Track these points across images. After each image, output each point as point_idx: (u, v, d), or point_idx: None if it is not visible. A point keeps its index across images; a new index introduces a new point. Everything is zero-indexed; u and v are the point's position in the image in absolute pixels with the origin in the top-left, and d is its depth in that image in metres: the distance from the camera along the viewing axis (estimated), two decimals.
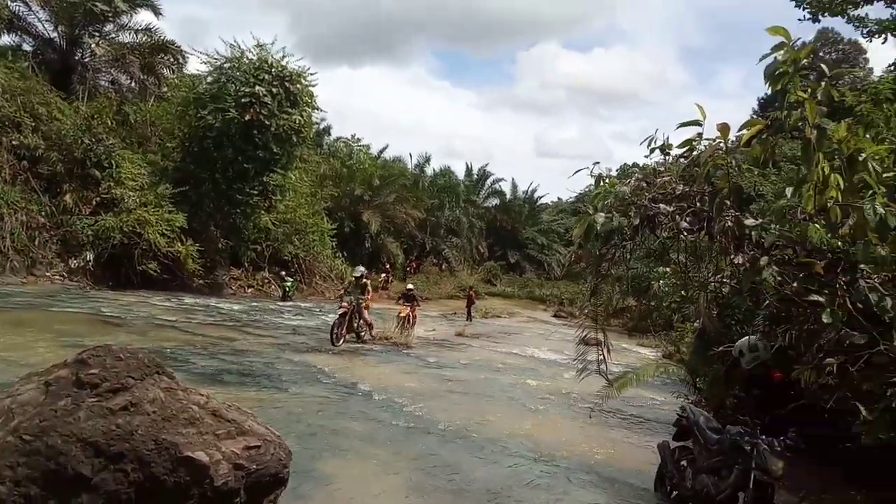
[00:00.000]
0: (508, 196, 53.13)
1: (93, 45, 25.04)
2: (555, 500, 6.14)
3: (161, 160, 23.34)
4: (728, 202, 5.59)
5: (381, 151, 43.40)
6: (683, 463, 6.31)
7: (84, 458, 3.90)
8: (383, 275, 32.94)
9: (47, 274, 18.63)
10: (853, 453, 5.37)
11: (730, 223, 5.45)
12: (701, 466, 5.94)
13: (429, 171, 46.57)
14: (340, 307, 14.41)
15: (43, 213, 19.33)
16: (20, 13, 24.21)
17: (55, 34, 24.98)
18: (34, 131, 19.86)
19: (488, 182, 52.28)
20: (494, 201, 52.57)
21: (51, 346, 9.90)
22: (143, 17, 26.51)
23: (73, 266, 19.19)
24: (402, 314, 17.03)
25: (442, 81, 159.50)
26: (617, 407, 10.35)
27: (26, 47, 24.89)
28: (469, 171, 52.18)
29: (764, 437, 5.26)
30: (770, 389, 5.85)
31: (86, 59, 25.54)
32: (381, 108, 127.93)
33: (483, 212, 50.00)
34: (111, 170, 20.48)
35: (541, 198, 55.41)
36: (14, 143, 19.30)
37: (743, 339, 6.15)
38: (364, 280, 14.99)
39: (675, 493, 6.31)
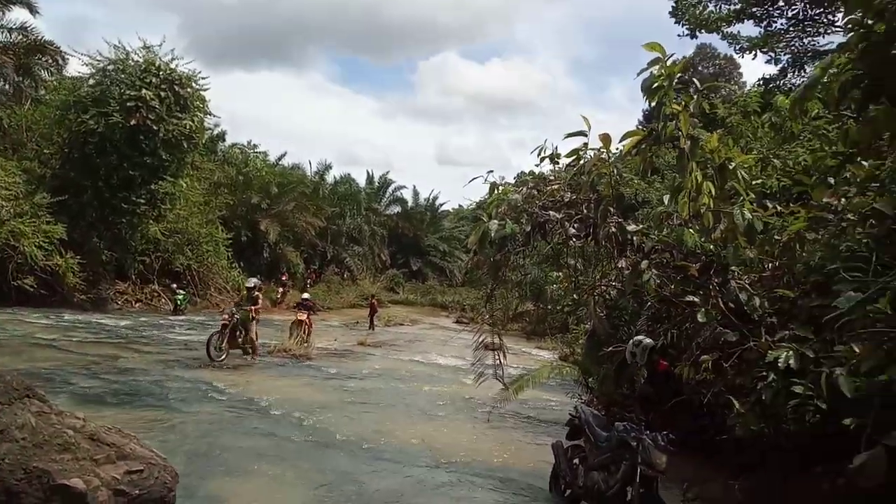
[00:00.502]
0: (410, 203, 53.33)
1: None
2: None
3: (38, 167, 21.81)
4: (611, 209, 5.90)
5: (279, 158, 42.49)
6: (576, 461, 6.53)
7: None
8: (280, 288, 32.09)
9: None
10: (729, 443, 5.73)
11: (613, 229, 5.75)
12: (592, 464, 6.16)
13: (329, 178, 46.03)
14: (222, 319, 13.80)
15: None
16: None
17: None
18: None
19: (390, 190, 52.30)
20: (396, 209, 52.62)
21: None
22: (18, 14, 24.61)
23: None
24: (297, 318, 16.85)
25: (342, 88, 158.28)
26: (515, 409, 10.60)
27: None
28: (370, 178, 52.02)
29: (648, 432, 5.53)
30: (655, 382, 6.18)
31: None
32: (279, 115, 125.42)
33: (385, 219, 49.93)
34: None
35: (442, 205, 55.97)
36: None
37: (630, 342, 6.46)
38: (256, 292, 14.28)
39: (568, 491, 6.52)
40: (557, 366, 10.73)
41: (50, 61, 25.67)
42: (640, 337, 6.26)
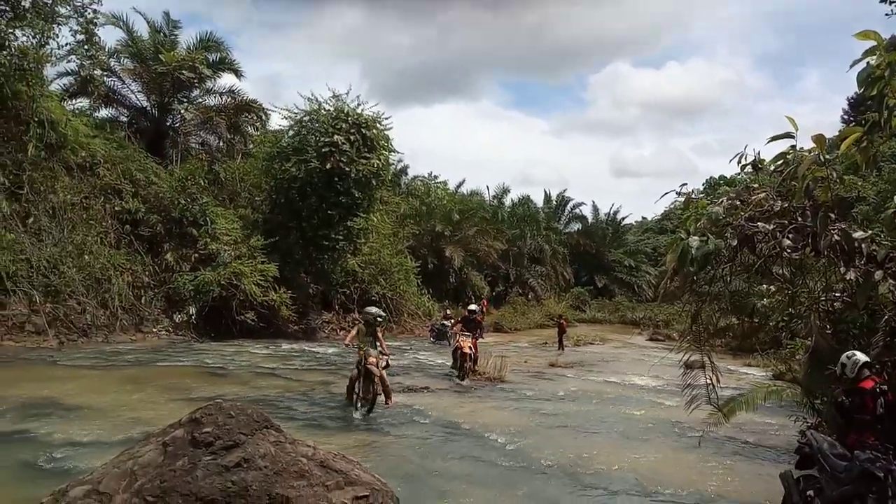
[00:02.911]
0: (590, 220, 52.45)
1: (182, 111, 26.74)
2: None
3: (251, 213, 24.43)
4: (832, 215, 5.33)
5: (458, 186, 43.94)
6: (810, 493, 5.93)
7: None
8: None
9: (154, 330, 19.69)
10: None
11: (837, 237, 5.19)
12: (830, 497, 5.57)
13: (507, 201, 46.75)
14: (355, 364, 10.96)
15: (147, 273, 20.52)
16: (115, 87, 26.25)
17: (147, 103, 26.86)
18: (134, 196, 21.21)
19: (568, 207, 51.88)
20: (576, 226, 52.01)
21: (163, 401, 10.41)
22: (226, 80, 28.15)
23: (177, 321, 20.22)
24: (464, 349, 14.83)
25: (513, 112, 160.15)
26: (729, 434, 9.88)
27: (122, 118, 26.82)
28: (548, 198, 51.97)
29: None
30: (852, 398, 5.82)
31: (176, 124, 27.28)
32: (455, 144, 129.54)
33: (565, 238, 49.52)
34: (206, 226, 21.58)
35: (624, 219, 54.37)
36: (117, 208, 20.67)
37: (843, 355, 6.01)
38: (378, 324, 11.14)
39: None
40: (774, 386, 9.85)
41: (255, 118, 28.88)
42: (853, 351, 5.95)
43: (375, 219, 26.42)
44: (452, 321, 22.92)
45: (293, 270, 23.40)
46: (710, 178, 53.69)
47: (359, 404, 10.45)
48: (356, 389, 10.64)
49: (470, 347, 14.95)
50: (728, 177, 43.39)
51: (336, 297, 26.49)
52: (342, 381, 13.74)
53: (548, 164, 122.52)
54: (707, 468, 8.35)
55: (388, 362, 11.21)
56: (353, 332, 11.05)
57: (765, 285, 8.78)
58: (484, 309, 33.08)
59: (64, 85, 24.29)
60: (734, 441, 9.84)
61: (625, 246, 52.73)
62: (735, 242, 5.60)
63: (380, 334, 10.99)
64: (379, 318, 11.15)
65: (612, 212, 53.16)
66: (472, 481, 7.21)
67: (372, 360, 10.51)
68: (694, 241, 5.61)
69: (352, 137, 22.38)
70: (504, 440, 9.16)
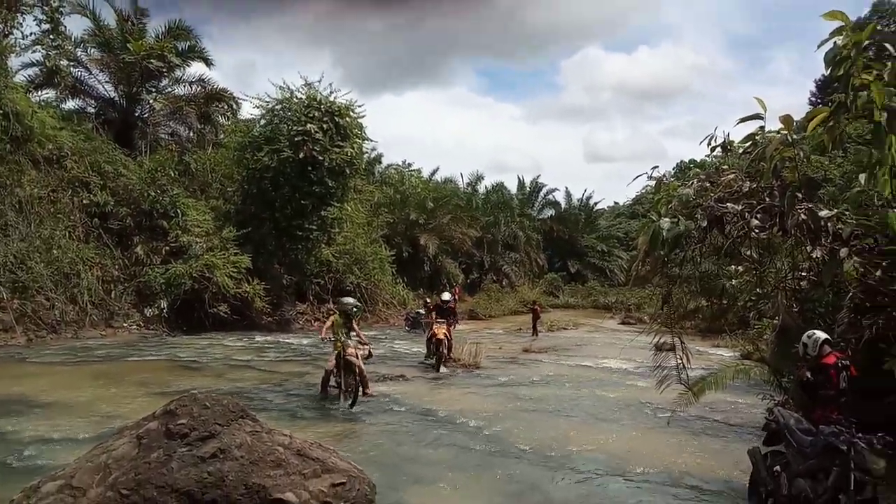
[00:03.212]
0: (563, 206, 52.71)
1: (151, 101, 26.27)
2: None
3: (223, 204, 24.16)
4: (800, 195, 5.41)
5: (432, 174, 43.83)
6: (777, 468, 6.04)
7: None
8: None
9: (125, 325, 19.39)
10: None
11: (803, 216, 5.27)
12: (797, 471, 5.68)
13: (481, 188, 46.80)
14: (329, 356, 10.91)
15: (116, 267, 20.18)
16: (82, 77, 25.63)
17: (115, 94, 26.26)
18: (102, 189, 20.80)
19: (542, 193, 52.07)
20: (550, 212, 52.24)
21: (136, 396, 10.28)
22: (196, 69, 27.65)
23: (148, 315, 19.94)
24: (438, 335, 14.70)
25: (485, 98, 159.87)
26: (698, 414, 10.04)
27: (89, 109, 26.22)
28: (521, 184, 52.11)
29: (861, 435, 5.00)
30: (816, 373, 6.02)
31: (145, 115, 26.75)
32: (428, 132, 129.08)
33: (539, 224, 49.73)
34: (177, 218, 21.28)
35: (596, 204, 54.78)
36: (85, 201, 20.25)
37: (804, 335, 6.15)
38: (354, 315, 10.91)
39: (770, 500, 6.04)
40: (742, 365, 10.03)
41: (226, 107, 28.48)
42: (812, 331, 6.08)
43: (349, 208, 26.29)
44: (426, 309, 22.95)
45: (266, 261, 23.20)
46: (681, 161, 54.27)
47: (342, 397, 10.25)
48: (333, 382, 10.52)
49: (445, 334, 14.81)
50: (698, 160, 43.89)
51: (310, 287, 26.32)
52: (317, 371, 13.67)
53: (521, 151, 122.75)
54: (677, 446, 8.47)
55: (370, 352, 11.03)
56: (329, 323, 10.77)
57: (733, 266, 8.92)
58: (457, 296, 32.82)
59: (29, 76, 23.76)
60: (704, 420, 10.00)
61: (597, 231, 53.16)
62: (705, 224, 5.67)
63: (355, 325, 10.80)
64: (355, 309, 10.91)
65: (584, 197, 53.56)
66: (449, 466, 7.24)
67: (351, 350, 10.33)
68: (665, 223, 5.66)
69: (325, 126, 22.20)
70: (479, 425, 9.21)
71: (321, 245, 25.28)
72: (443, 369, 14.46)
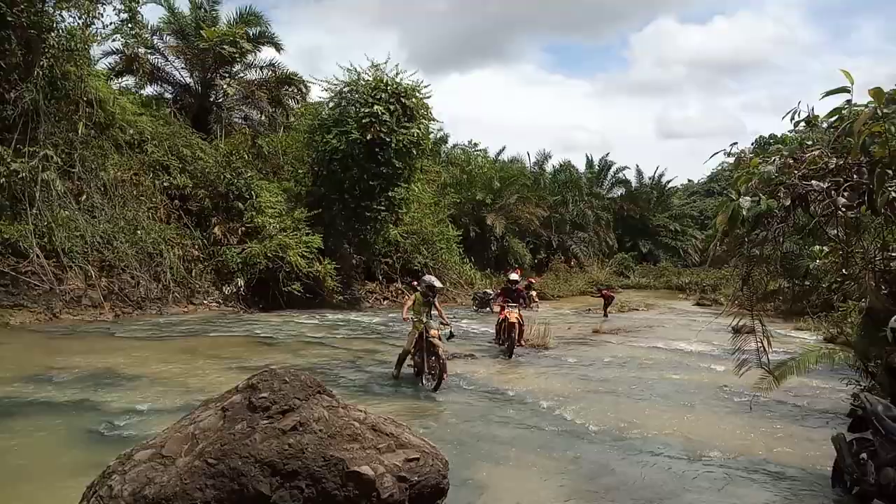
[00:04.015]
0: (634, 184, 51.70)
1: (224, 86, 27.04)
2: (720, 501, 5.87)
3: (294, 186, 24.78)
4: (890, 171, 5.14)
5: (498, 153, 43.70)
6: (863, 456, 5.84)
7: (262, 478, 4.21)
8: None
9: (205, 302, 20.24)
10: None
11: (894, 194, 5.01)
12: (885, 459, 5.48)
13: (548, 167, 46.36)
14: (408, 336, 10.75)
15: (196, 247, 21.04)
16: (159, 64, 26.64)
17: (190, 80, 27.23)
18: (181, 171, 21.66)
19: (611, 172, 51.17)
20: (619, 191, 51.35)
21: (218, 370, 10.75)
22: (267, 54, 28.37)
23: (226, 293, 20.75)
24: (509, 321, 13.98)
25: (553, 75, 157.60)
26: (779, 398, 9.75)
27: (167, 95, 27.27)
28: (590, 163, 51.36)
29: None
30: None
31: (220, 100, 27.60)
32: (495, 110, 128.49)
33: (608, 203, 48.95)
34: (252, 200, 21.96)
35: (669, 182, 53.42)
36: (165, 184, 21.16)
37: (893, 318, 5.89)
38: (435, 294, 10.54)
39: (856, 488, 5.85)
40: (826, 349, 9.65)
41: (295, 91, 29.07)
42: None
43: (416, 188, 26.50)
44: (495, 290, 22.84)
45: (336, 242, 23.72)
46: (760, 137, 52.09)
47: (423, 379, 10.13)
48: (410, 362, 10.46)
49: (517, 318, 14.07)
50: (779, 135, 42.09)
51: (379, 267, 26.82)
52: (388, 348, 13.96)
53: (590, 128, 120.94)
54: (757, 431, 8.27)
55: (451, 332, 10.61)
56: (409, 302, 10.56)
57: (817, 246, 8.57)
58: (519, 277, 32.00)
59: (110, 64, 24.79)
60: (784, 405, 9.72)
61: (670, 210, 51.92)
62: (788, 202, 5.45)
63: (438, 304, 10.58)
64: (437, 287, 10.52)
65: (656, 175, 52.36)
66: (519, 446, 7.29)
67: (434, 332, 10.04)
68: (745, 201, 5.48)
69: (391, 107, 22.37)
70: (550, 405, 9.21)
71: (389, 225, 25.62)
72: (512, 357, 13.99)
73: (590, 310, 26.32)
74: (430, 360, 10.03)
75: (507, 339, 13.98)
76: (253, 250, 20.67)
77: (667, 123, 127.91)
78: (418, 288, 10.89)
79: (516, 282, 15.41)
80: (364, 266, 26.05)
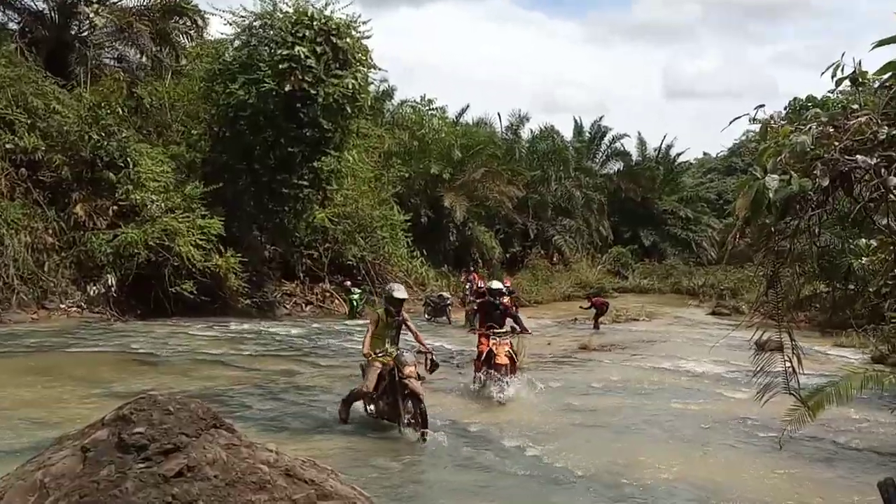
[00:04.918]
0: (635, 157, 52.40)
1: (91, 15, 26.40)
2: None
3: (186, 152, 24.52)
4: None
5: (460, 114, 43.75)
6: None
7: None
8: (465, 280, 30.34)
9: (62, 306, 19.86)
10: None
11: None
12: None
13: (525, 133, 46.57)
14: (367, 372, 9.77)
15: (50, 231, 20.60)
16: None
17: (45, 6, 26.56)
18: (30, 130, 21.11)
19: (606, 141, 51.78)
20: (616, 166, 52.00)
21: (79, 398, 10.57)
22: None
23: (91, 294, 20.38)
24: (498, 357, 11.95)
25: (532, 12, 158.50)
26: (813, 434, 10.02)
27: (11, 25, 26.56)
28: (579, 128, 51.89)
29: None
30: None
31: (84, 34, 27.01)
32: (457, 57, 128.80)
33: (602, 181, 49.49)
34: (127, 170, 21.58)
35: (679, 155, 54.32)
36: (8, 146, 20.57)
37: None
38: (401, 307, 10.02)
39: None
40: (874, 372, 9.97)
41: (189, 24, 28.64)
42: None
43: (351, 158, 26.45)
44: (470, 300, 22.50)
45: (243, 227, 23.53)
46: (795, 98, 53.29)
47: (403, 427, 9.38)
48: (371, 408, 9.84)
49: (508, 355, 12.07)
50: (819, 97, 43.24)
51: (300, 261, 26.68)
52: (310, 369, 13.91)
53: (580, 83, 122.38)
54: (786, 476, 8.51)
55: (433, 361, 9.96)
56: (371, 327, 9.84)
57: (864, 240, 8.83)
58: (476, 281, 30.46)
59: None
60: (820, 442, 10.00)
61: (680, 191, 52.77)
62: (826, 182, 5.58)
63: (410, 323, 10.08)
64: (400, 300, 9.88)
65: (663, 146, 53.11)
66: (481, 495, 7.36)
67: (410, 369, 9.23)
68: (772, 181, 5.59)
69: (318, 49, 22.24)
70: (522, 444, 9.29)
71: (314, 206, 25.52)
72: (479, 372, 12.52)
73: (576, 319, 26.62)
74: (408, 405, 9.39)
75: (493, 380, 11.97)
76: (129, 237, 20.34)
77: (677, 78, 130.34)
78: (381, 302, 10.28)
79: (502, 293, 13.24)
80: (281, 260, 25.87)
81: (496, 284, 13.62)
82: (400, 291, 10.05)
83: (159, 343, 16.35)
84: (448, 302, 24.60)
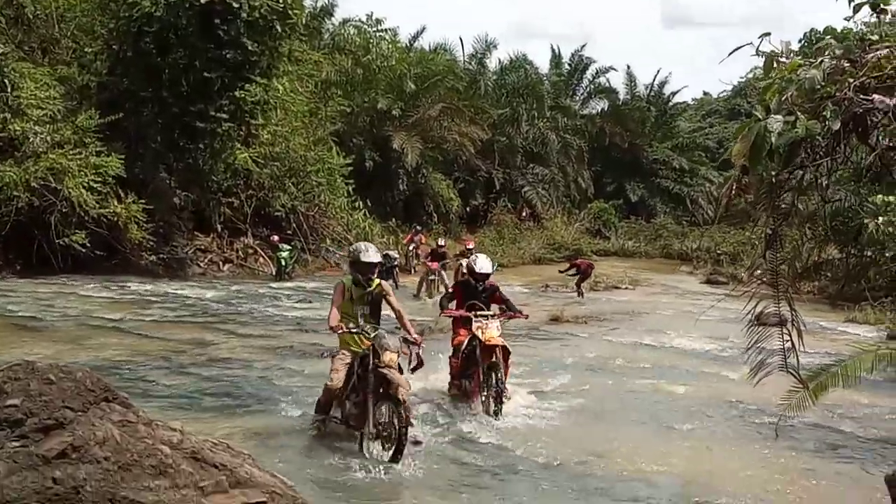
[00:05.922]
0: (622, 95, 52.49)
1: None
2: None
3: (78, 74, 24.09)
4: None
5: (414, 38, 43.45)
6: None
7: None
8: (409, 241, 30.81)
9: None
10: None
11: None
12: None
13: (492, 63, 46.34)
14: (333, 362, 8.81)
15: None
16: None
17: None
18: None
19: (589, 75, 51.73)
20: (600, 105, 52.01)
21: None
22: None
23: None
24: (487, 343, 10.38)
25: None
26: (815, 421, 10.26)
27: None
28: (557, 59, 51.76)
29: None
30: None
31: None
32: None
33: (583, 123, 49.50)
34: (4, 94, 21.14)
35: (675, 94, 54.51)
36: None
37: None
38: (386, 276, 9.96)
39: None
40: (890, 351, 10.19)
41: None
42: None
43: (281, 87, 26.21)
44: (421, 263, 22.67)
45: (148, 168, 23.26)
46: (812, 31, 53.81)
47: (365, 443, 8.24)
48: (339, 410, 8.82)
49: (502, 341, 10.70)
50: (838, 29, 43.86)
51: (218, 211, 26.40)
52: (227, 338, 13.88)
53: (559, 6, 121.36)
54: (783, 469, 8.68)
55: (418, 357, 8.72)
56: (337, 297, 8.92)
57: (881, 196, 8.99)
58: (417, 241, 30.12)
59: None
60: (822, 430, 10.23)
61: (675, 137, 53.02)
62: (837, 126, 5.67)
63: (392, 299, 9.21)
64: (374, 264, 9.05)
65: (656, 83, 53.27)
66: (417, 486, 7.43)
67: (391, 357, 8.22)
68: (775, 122, 5.65)
69: None
70: (478, 429, 9.42)
71: (235, 145, 25.31)
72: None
73: (548, 286, 26.81)
74: (381, 409, 8.28)
75: (487, 384, 10.52)
76: (6, 177, 19.98)
77: (674, 4, 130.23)
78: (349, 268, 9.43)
79: (487, 275, 11.59)
80: (194, 209, 25.59)
81: (483, 263, 11.65)
82: (369, 254, 9.01)
83: (43, 305, 16.22)
84: (395, 262, 24.55)
